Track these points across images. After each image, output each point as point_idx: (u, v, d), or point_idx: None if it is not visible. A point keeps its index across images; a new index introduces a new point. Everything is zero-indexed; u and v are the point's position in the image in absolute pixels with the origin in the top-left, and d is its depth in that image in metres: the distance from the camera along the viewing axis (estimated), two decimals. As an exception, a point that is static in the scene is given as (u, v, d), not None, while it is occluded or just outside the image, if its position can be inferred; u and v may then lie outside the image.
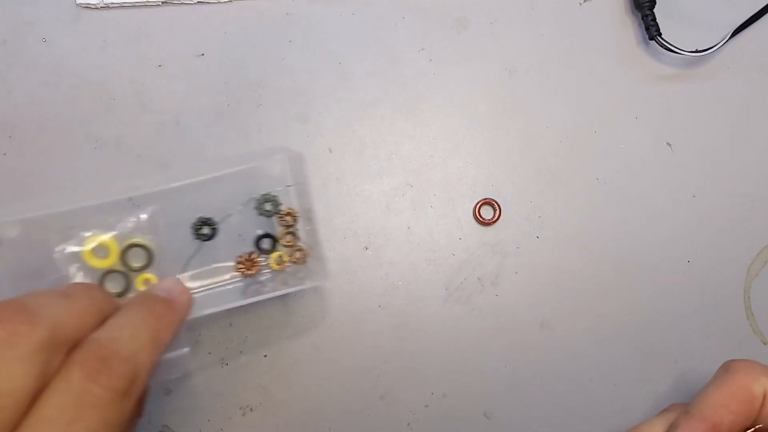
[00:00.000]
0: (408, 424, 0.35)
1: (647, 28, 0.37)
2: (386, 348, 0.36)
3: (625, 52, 0.38)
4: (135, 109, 0.37)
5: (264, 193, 0.32)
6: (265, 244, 0.32)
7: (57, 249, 0.29)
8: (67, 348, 0.22)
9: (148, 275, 0.30)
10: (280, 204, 0.32)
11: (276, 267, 0.32)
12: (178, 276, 0.31)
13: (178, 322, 0.27)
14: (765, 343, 0.37)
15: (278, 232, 0.32)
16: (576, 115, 0.38)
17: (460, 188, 0.37)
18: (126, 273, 0.30)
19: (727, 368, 0.28)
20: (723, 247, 0.37)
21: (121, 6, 0.37)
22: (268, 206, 0.32)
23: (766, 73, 0.39)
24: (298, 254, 0.32)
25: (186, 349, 0.29)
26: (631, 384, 0.36)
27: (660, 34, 0.37)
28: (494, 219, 0.37)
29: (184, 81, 0.37)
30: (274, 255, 0.32)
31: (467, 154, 0.37)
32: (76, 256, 0.30)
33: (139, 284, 0.30)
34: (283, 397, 0.35)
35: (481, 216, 0.37)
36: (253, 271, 0.32)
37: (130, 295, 0.30)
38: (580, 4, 0.39)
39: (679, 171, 0.38)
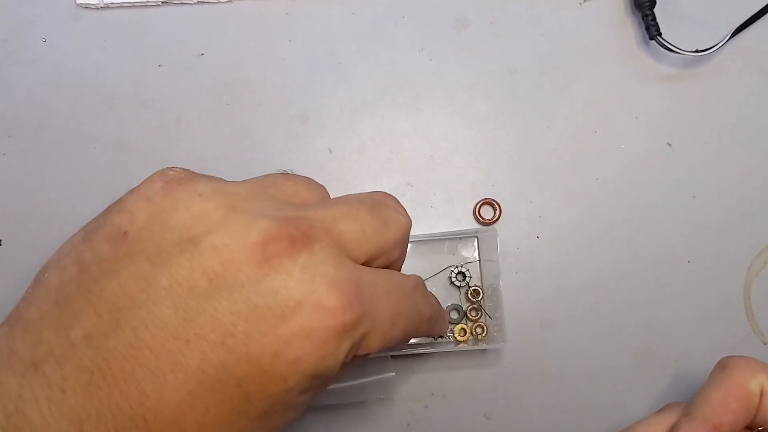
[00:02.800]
0: (408, 424, 0.35)
1: (647, 28, 0.37)
2: (386, 348, 0.36)
3: (625, 52, 0.38)
4: (135, 109, 0.37)
5: (457, 265, 0.35)
6: (453, 314, 0.35)
7: None
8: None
9: None
10: (470, 278, 0.35)
11: (459, 338, 0.35)
12: None
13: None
14: (765, 343, 0.37)
15: (464, 306, 0.35)
16: (576, 115, 0.38)
17: (460, 188, 0.37)
18: None
19: (723, 366, 0.28)
20: (723, 247, 0.37)
21: (121, 6, 0.37)
22: (459, 278, 0.35)
23: (766, 73, 0.39)
24: (479, 330, 0.35)
25: (392, 374, 0.31)
26: (631, 384, 0.36)
27: (660, 34, 0.37)
28: (494, 219, 0.37)
29: (184, 81, 0.37)
30: (458, 327, 0.35)
31: (467, 154, 0.37)
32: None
33: None
34: (283, 397, 0.35)
35: (481, 216, 0.37)
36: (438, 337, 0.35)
37: None
38: (580, 4, 0.39)
39: (679, 171, 0.38)
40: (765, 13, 0.38)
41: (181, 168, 0.24)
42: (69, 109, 0.36)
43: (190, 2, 0.37)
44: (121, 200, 0.23)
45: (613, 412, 0.36)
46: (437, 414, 0.35)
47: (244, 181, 0.24)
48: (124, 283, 0.20)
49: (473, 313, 0.35)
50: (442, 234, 0.36)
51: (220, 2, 0.38)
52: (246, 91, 0.37)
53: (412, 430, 0.35)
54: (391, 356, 0.32)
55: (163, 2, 0.37)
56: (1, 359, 0.20)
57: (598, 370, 0.36)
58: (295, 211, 0.23)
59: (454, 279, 0.35)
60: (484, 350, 0.36)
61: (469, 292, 0.35)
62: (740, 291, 0.37)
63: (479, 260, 0.36)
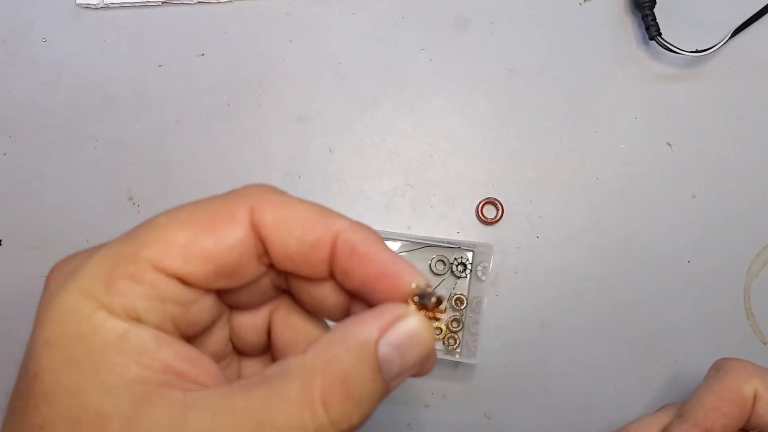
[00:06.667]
0: (408, 424, 0.35)
1: (647, 28, 0.37)
2: (386, 348, 0.36)
3: (625, 52, 0.38)
4: (135, 109, 0.37)
5: (456, 257, 0.36)
6: (439, 266, 0.36)
7: None
8: None
9: None
10: (470, 270, 0.35)
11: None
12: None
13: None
14: (765, 343, 0.37)
15: (446, 318, 0.35)
16: (576, 115, 0.38)
17: (460, 188, 0.37)
18: None
19: (718, 368, 0.28)
20: (723, 247, 0.37)
21: (121, 6, 0.37)
22: (459, 269, 0.35)
23: (766, 73, 0.39)
24: (452, 341, 0.35)
25: None
26: (631, 384, 0.36)
27: (660, 34, 0.37)
28: (497, 218, 0.37)
29: (184, 81, 0.37)
30: (436, 324, 0.34)
31: (467, 154, 0.37)
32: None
33: None
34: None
35: (483, 215, 0.37)
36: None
37: None
38: (580, 4, 0.39)
39: (679, 171, 0.38)
40: (765, 13, 0.38)
41: None
42: (69, 109, 0.36)
43: (190, 2, 0.37)
44: None
45: (613, 411, 0.36)
46: (438, 414, 0.35)
47: None
48: None
49: (454, 324, 0.35)
50: (440, 240, 0.35)
51: (220, 2, 0.38)
52: (246, 91, 0.37)
53: (413, 429, 0.35)
54: None
55: (163, 2, 0.37)
56: None
57: (598, 369, 0.36)
58: None
59: (455, 270, 0.35)
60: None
61: (454, 299, 0.35)
62: (740, 291, 0.37)
63: (469, 273, 0.36)
